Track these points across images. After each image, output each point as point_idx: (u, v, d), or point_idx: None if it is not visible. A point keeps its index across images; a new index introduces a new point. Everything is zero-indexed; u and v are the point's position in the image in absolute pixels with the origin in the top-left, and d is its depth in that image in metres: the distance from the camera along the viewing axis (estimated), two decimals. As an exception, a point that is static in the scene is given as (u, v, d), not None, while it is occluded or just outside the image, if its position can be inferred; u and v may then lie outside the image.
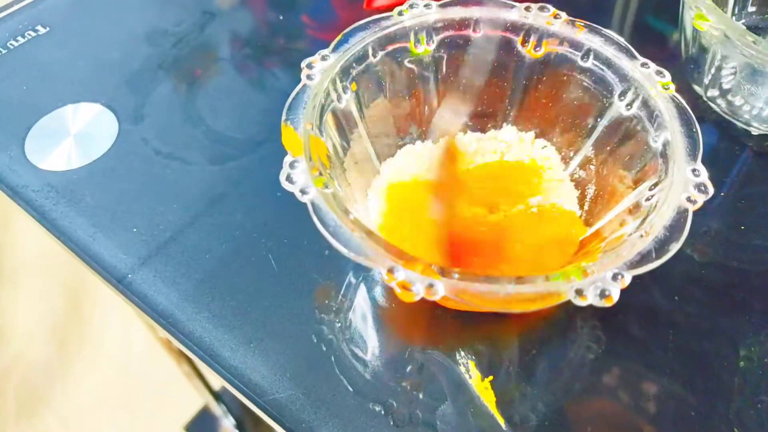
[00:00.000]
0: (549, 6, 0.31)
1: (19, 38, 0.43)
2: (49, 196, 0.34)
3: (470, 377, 0.27)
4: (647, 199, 0.26)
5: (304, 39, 0.44)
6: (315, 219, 0.24)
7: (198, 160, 0.36)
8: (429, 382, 0.27)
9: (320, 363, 0.28)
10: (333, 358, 0.28)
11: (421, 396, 0.27)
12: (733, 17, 0.42)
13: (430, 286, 0.22)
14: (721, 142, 0.37)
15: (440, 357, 0.28)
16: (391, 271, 0.22)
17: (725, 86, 0.37)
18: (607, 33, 0.30)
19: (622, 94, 0.29)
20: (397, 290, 0.22)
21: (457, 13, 0.31)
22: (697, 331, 0.29)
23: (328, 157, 0.27)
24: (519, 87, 0.33)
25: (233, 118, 0.38)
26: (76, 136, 0.37)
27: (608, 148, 0.30)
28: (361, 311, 0.29)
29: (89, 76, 0.40)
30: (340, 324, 0.29)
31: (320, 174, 0.25)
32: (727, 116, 0.38)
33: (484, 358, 0.28)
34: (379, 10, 0.44)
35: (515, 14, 0.31)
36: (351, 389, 0.27)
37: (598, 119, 0.30)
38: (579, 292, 0.21)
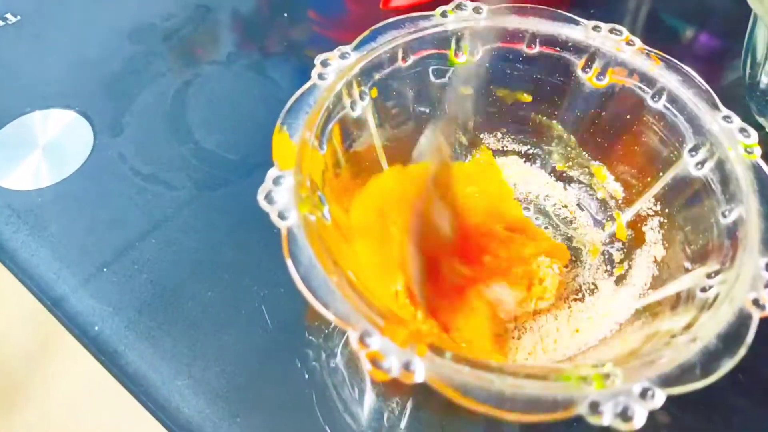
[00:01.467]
0: (622, 29, 0.26)
1: (-15, 28, 0.38)
2: (10, 221, 0.30)
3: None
4: (703, 290, 0.21)
5: (311, 38, 0.39)
6: (285, 251, 0.19)
7: (183, 185, 0.31)
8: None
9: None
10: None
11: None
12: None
13: (407, 365, 0.17)
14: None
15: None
16: (363, 337, 0.17)
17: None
18: (688, 72, 0.24)
19: (694, 149, 0.24)
20: (367, 366, 0.17)
21: (512, 22, 0.26)
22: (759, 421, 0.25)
23: (323, 175, 0.23)
24: (571, 119, 0.28)
25: (226, 134, 0.33)
26: (44, 148, 0.32)
27: (667, 210, 0.25)
28: (372, 386, 0.25)
29: (63, 76, 0.36)
30: (345, 394, 0.25)
31: (308, 195, 0.20)
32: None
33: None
34: (398, 11, 0.39)
35: (580, 33, 0.26)
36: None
37: (661, 173, 0.25)
38: (594, 407, 0.17)
